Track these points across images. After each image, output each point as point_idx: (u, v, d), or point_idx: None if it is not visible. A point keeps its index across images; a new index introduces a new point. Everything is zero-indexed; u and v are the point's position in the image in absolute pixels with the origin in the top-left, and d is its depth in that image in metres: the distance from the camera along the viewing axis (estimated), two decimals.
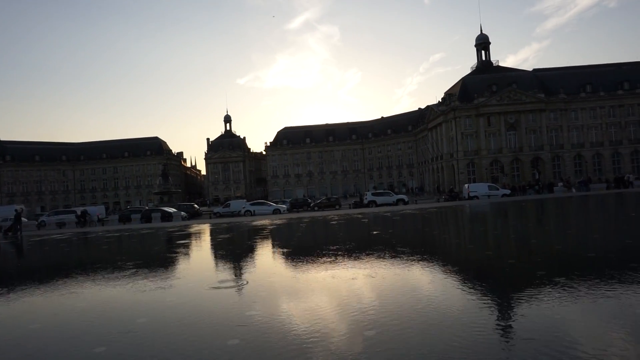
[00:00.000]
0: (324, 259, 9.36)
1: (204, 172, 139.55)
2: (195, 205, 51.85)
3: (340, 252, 10.20)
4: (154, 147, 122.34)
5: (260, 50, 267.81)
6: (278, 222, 25.18)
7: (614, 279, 5.83)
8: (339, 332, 4.32)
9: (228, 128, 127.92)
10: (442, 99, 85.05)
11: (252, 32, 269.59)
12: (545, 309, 4.76)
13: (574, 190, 47.00)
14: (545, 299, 5.16)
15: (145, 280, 8.25)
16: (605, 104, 76.94)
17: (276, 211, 43.40)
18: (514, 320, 4.50)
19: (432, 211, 26.37)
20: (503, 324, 4.41)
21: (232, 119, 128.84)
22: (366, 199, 45.60)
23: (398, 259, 8.90)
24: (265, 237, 16.86)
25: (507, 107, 75.34)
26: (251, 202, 50.44)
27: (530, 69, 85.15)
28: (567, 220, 17.14)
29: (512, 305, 5.08)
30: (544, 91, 76.39)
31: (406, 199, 45.80)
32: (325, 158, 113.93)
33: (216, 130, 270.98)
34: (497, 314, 4.78)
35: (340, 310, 5.22)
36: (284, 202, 48.76)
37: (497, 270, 7.59)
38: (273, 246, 14.18)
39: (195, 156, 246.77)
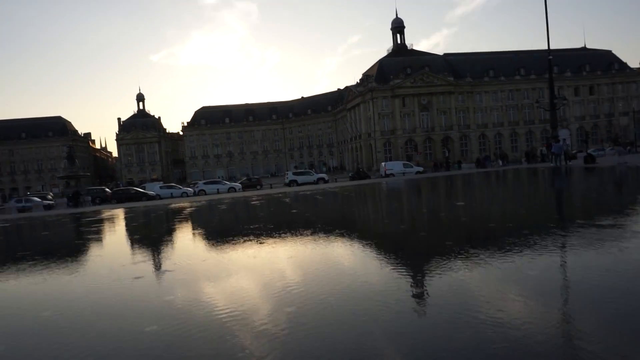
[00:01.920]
0: (246, 239, 9.31)
1: (116, 154, 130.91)
2: (107, 189, 48.65)
3: (261, 232, 10.20)
4: (56, 128, 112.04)
5: (174, 26, 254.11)
6: (197, 204, 24.48)
7: (511, 245, 6.46)
8: (261, 310, 4.35)
9: (141, 107, 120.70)
10: (360, 80, 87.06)
11: (166, 6, 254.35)
12: (454, 276, 5.17)
13: (500, 163, 50.94)
14: (453, 266, 5.59)
15: (51, 270, 7.65)
16: (505, 88, 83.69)
17: (231, 189, 43.56)
18: (426, 288, 4.83)
19: (351, 189, 27.18)
20: (417, 291, 4.72)
21: (145, 97, 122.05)
22: (287, 178, 45.77)
23: (319, 235, 9.11)
24: (184, 220, 16.34)
25: (420, 89, 79.17)
26: (205, 181, 50.24)
27: (441, 53, 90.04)
28: (472, 194, 18.57)
29: (425, 274, 5.44)
30: (454, 75, 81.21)
31: (326, 178, 46.69)
32: (245, 138, 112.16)
33: (128, 109, 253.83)
34: (411, 282, 5.10)
35: (262, 290, 5.25)
36: (215, 183, 47.47)
37: (411, 242, 8.06)
38: (192, 229, 13.80)
39: (106, 137, 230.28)
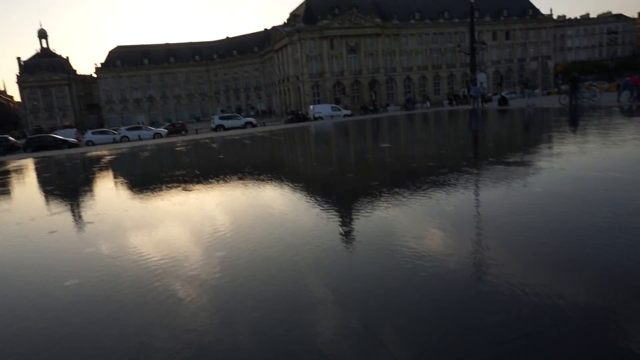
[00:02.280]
0: (171, 187, 9.02)
1: (18, 99, 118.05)
2: (10, 138, 44.02)
3: (188, 179, 9.92)
4: None
5: None
6: (119, 151, 23.12)
7: (430, 183, 6.85)
8: (191, 257, 4.31)
9: (45, 46, 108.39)
10: (287, 20, 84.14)
11: None
12: (379, 214, 5.41)
13: (428, 104, 52.47)
14: (379, 205, 5.85)
15: None
16: (430, 31, 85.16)
17: (157, 135, 40.80)
18: (353, 227, 5.03)
19: (279, 133, 26.99)
20: (345, 230, 4.90)
21: (48, 34, 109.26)
22: (213, 123, 44.30)
23: (248, 180, 9.05)
24: (105, 169, 15.41)
25: (348, 30, 78.28)
26: (127, 127, 45.91)
27: None
28: (397, 137, 19.23)
29: (352, 213, 5.65)
30: (381, 16, 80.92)
31: (254, 122, 45.79)
32: (167, 81, 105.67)
33: (29, 48, 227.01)
34: (340, 222, 5.28)
35: (191, 237, 5.18)
36: (138, 129, 44.07)
37: (338, 183, 8.27)
38: (115, 177, 13.09)
39: (4, 80, 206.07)
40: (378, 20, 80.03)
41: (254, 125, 43.45)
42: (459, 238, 4.25)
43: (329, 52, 78.23)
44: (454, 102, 50.52)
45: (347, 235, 4.70)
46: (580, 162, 7.98)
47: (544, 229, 4.25)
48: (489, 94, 51.32)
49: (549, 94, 55.57)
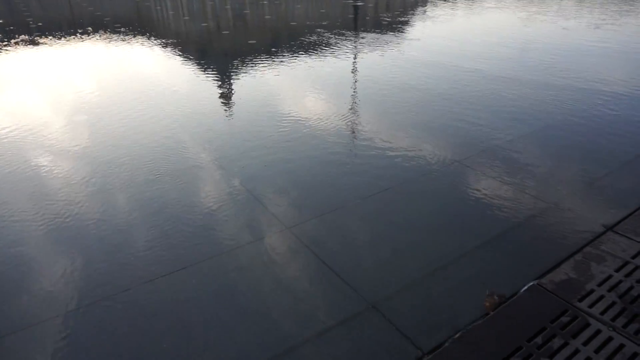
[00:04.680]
0: (17, 41, 7.64)
1: None
2: None
3: (33, 31, 8.46)
4: None
5: None
6: None
7: (309, 44, 6.81)
8: (51, 123, 3.93)
9: None
10: None
11: None
12: (257, 74, 5.35)
13: None
14: (257, 65, 5.73)
15: None
16: None
17: None
18: (232, 89, 4.94)
19: None
20: (223, 92, 4.80)
21: None
22: None
23: (115, 37, 8.04)
24: None
25: None
26: None
27: None
28: None
29: (230, 75, 5.48)
30: None
31: None
32: None
33: None
34: (218, 81, 5.12)
35: (54, 103, 4.65)
36: None
37: (214, 41, 7.78)
38: None
39: None
40: None
41: None
42: (333, 101, 4.47)
43: None
44: None
45: (226, 98, 4.63)
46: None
47: (411, 92, 4.65)
48: None
49: None
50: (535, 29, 8.06)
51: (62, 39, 7.89)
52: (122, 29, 8.69)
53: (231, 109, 4.30)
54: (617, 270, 1.99)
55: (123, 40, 7.66)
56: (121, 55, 6.72)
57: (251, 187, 2.78)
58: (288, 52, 6.44)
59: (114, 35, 8.04)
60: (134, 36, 8.05)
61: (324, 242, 2.25)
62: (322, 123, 3.76)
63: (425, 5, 11.87)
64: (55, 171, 3.02)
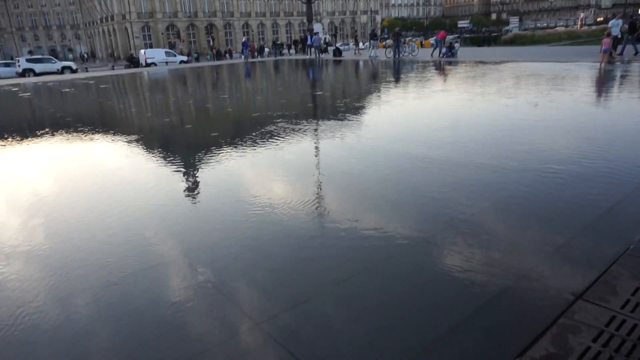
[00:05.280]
0: None
1: None
2: None
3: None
4: None
5: None
6: None
7: (271, 133, 7.04)
8: (4, 226, 3.77)
9: None
10: None
11: None
12: (221, 164, 5.41)
13: (293, 51, 50.17)
14: (219, 153, 5.82)
15: None
16: None
17: None
18: (197, 180, 4.95)
19: (107, 79, 24.16)
20: (189, 185, 4.80)
21: None
22: (20, 67, 37.37)
23: (76, 136, 8.05)
24: None
25: None
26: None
27: None
28: (238, 85, 18.95)
29: (194, 167, 5.53)
30: None
31: (74, 67, 39.99)
32: None
33: None
34: (182, 178, 5.13)
35: (5, 204, 4.50)
36: None
37: (177, 136, 7.92)
38: None
39: None
40: None
41: (74, 71, 37.94)
42: (298, 184, 4.54)
43: None
44: (294, 51, 51.04)
45: (192, 191, 4.63)
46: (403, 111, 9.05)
47: (373, 175, 4.80)
48: (325, 45, 53.13)
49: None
50: (480, 109, 8.69)
51: (22, 139, 7.84)
52: (84, 128, 8.75)
53: (196, 201, 4.28)
54: (594, 341, 1.98)
55: (85, 138, 7.68)
56: (84, 152, 6.69)
57: (219, 281, 2.69)
58: (251, 142, 6.61)
59: (76, 134, 8.06)
60: (97, 134, 8.10)
61: (297, 335, 2.16)
62: (288, 209, 3.78)
63: (379, 91, 12.70)
64: (7, 276, 2.83)
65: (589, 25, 71.15)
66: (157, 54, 45.11)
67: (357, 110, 9.32)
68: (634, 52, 17.44)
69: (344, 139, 6.54)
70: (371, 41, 32.44)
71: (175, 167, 5.57)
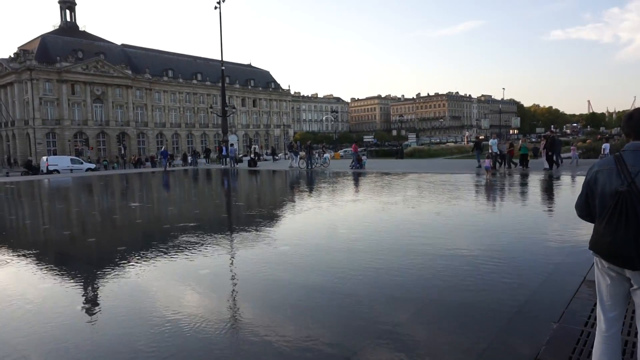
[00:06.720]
0: None
1: None
2: None
3: None
4: None
5: None
6: None
7: (187, 244, 6.80)
8: None
9: None
10: (15, 54, 72.12)
11: None
12: (128, 278, 5.03)
13: (205, 161, 49.50)
14: (127, 269, 5.43)
15: None
16: (183, 90, 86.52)
17: None
18: (100, 298, 4.52)
19: (1, 188, 22.21)
20: (90, 305, 4.36)
21: None
22: None
23: None
24: None
25: (94, 77, 72.26)
26: None
27: (118, 42, 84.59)
28: (149, 194, 18.40)
29: (98, 283, 5.07)
30: (132, 68, 77.96)
31: None
32: None
33: None
34: (83, 292, 4.66)
35: None
36: None
37: (78, 250, 7.32)
38: None
39: None
40: (129, 72, 76.74)
41: None
42: (214, 298, 4.33)
43: (70, 98, 70.01)
44: (208, 160, 51.59)
45: (92, 309, 4.19)
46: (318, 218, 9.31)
47: (286, 289, 4.75)
48: (240, 155, 54.42)
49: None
50: (390, 216, 9.24)
51: None
52: None
53: (96, 320, 3.87)
54: None
55: None
56: None
57: None
58: (161, 255, 6.31)
59: None
60: None
61: None
62: (201, 322, 3.55)
63: (294, 201, 13.05)
64: None
65: (473, 141, 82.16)
66: (60, 161, 43.09)
67: (272, 217, 9.42)
68: (546, 167, 18.74)
69: (258, 248, 6.49)
70: (290, 153, 34.16)
71: (72, 286, 5.06)
